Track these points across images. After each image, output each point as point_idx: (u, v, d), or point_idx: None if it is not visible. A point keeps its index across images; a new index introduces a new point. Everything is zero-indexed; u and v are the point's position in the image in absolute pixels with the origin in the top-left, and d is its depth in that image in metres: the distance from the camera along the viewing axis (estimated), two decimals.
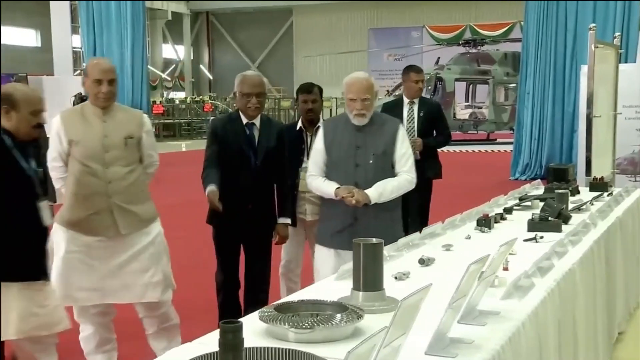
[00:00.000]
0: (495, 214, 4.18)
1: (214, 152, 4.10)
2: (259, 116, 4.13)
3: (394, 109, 5.65)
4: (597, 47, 6.27)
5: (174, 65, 35.54)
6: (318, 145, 3.84)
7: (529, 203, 4.68)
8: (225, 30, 36.91)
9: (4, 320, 3.04)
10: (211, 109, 28.07)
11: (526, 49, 12.99)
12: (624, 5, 11.85)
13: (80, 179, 3.60)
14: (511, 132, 21.38)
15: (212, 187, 3.91)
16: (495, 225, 4.02)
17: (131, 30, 14.57)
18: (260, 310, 2.35)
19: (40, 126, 3.15)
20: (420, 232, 3.97)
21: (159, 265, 3.74)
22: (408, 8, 30.87)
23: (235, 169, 4.06)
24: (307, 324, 2.18)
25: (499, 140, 21.72)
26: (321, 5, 32.82)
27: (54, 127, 3.64)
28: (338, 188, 3.64)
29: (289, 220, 4.27)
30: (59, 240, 3.58)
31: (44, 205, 3.21)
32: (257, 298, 4.10)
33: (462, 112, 22.10)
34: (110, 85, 3.60)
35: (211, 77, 37.24)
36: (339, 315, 2.26)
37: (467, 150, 20.02)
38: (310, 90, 4.67)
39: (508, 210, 4.40)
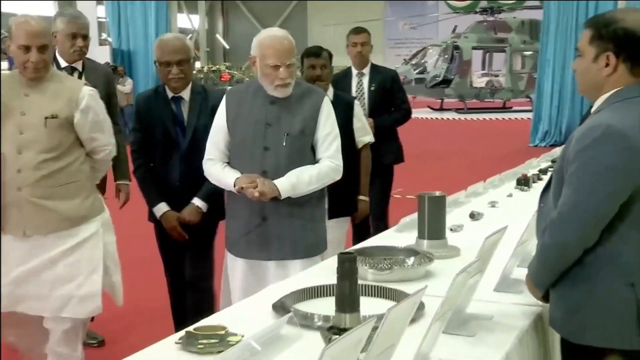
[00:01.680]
0: (533, 174, 4.44)
1: (139, 138, 3.54)
2: (189, 88, 3.49)
3: (341, 81, 4.74)
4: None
5: (189, 35, 35.63)
6: (219, 122, 3.04)
7: None
8: None
9: None
10: (229, 79, 28.25)
11: (547, 16, 13.09)
12: None
13: None
14: (528, 100, 21.53)
15: (163, 208, 3.47)
16: (533, 184, 4.27)
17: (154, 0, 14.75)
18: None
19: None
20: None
21: (85, 275, 3.02)
22: None
23: (163, 153, 3.49)
24: (385, 265, 2.45)
25: (515, 108, 21.88)
26: None
27: None
28: (238, 178, 2.89)
29: (201, 204, 3.50)
30: None
31: None
32: (202, 298, 3.66)
33: (479, 81, 22.17)
34: (41, 53, 2.89)
35: (227, 47, 37.31)
36: (412, 259, 2.53)
37: (484, 118, 20.18)
38: (318, 53, 4.02)
39: (543, 171, 4.64)
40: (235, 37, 35.87)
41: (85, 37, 3.92)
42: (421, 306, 2.04)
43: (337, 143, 3.00)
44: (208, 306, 3.55)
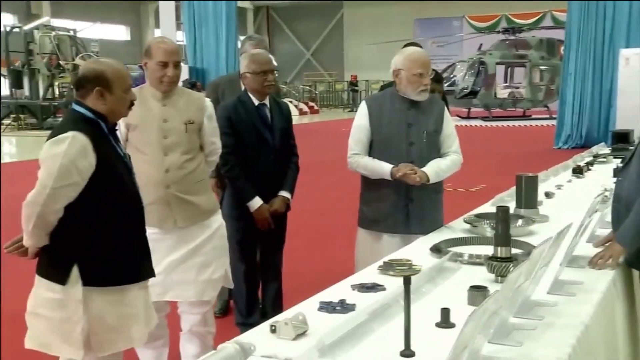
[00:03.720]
0: (583, 165, 4.92)
1: (232, 141, 3.50)
2: (267, 96, 3.57)
3: None
4: None
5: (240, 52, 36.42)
6: (362, 122, 3.27)
7: (604, 158, 5.39)
8: (283, 22, 37.54)
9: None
10: (280, 91, 28.92)
11: (569, 35, 13.43)
12: None
13: (138, 168, 2.85)
14: (545, 109, 21.79)
15: (259, 202, 3.54)
16: (585, 173, 4.76)
17: (225, 26, 15.38)
18: (465, 216, 3.17)
19: (132, 104, 2.49)
20: None
21: (219, 261, 3.14)
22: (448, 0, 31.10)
23: (256, 152, 3.56)
24: None
25: (534, 116, 22.14)
26: None
27: None
28: (395, 166, 3.14)
29: (289, 196, 3.67)
30: None
31: None
32: (278, 288, 3.81)
33: (502, 92, 22.45)
34: (175, 69, 2.99)
35: (275, 64, 38.06)
36: (520, 220, 3.07)
37: (507, 125, 20.49)
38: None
39: (590, 164, 5.12)
40: (280, 56, 36.49)
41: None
42: None
43: (458, 140, 3.34)
44: (280, 287, 3.78)
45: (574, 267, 2.43)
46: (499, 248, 2.32)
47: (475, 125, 20.59)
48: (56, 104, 21.10)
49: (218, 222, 3.17)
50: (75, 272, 2.32)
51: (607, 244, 2.57)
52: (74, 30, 22.96)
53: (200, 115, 3.10)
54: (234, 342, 1.66)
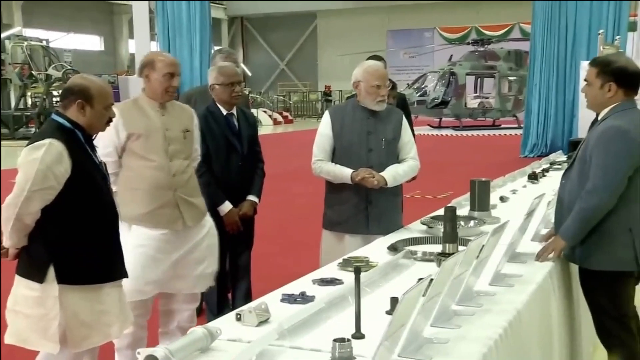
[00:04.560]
0: (539, 172, 5.20)
1: (203, 149, 3.60)
2: (234, 106, 3.77)
3: None
4: (604, 47, 7.17)
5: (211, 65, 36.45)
6: (325, 131, 3.47)
7: (559, 165, 5.68)
8: (257, 33, 37.76)
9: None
10: (252, 102, 29.07)
11: (533, 48, 13.89)
12: (615, 8, 12.72)
13: (143, 174, 3.16)
14: (514, 119, 22.29)
15: (229, 206, 3.72)
16: (540, 179, 5.04)
17: (199, 37, 15.51)
18: (422, 219, 3.40)
19: (110, 121, 2.65)
20: None
21: (212, 257, 3.37)
22: (420, 11, 31.64)
23: (225, 160, 3.74)
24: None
25: (503, 125, 22.64)
26: (342, 9, 33.59)
27: None
28: (354, 171, 3.35)
29: (257, 199, 3.88)
30: (122, 235, 2.92)
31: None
32: (247, 288, 3.98)
33: (472, 102, 22.92)
34: (177, 80, 3.20)
35: (250, 74, 38.27)
36: (472, 222, 3.31)
37: (477, 135, 20.92)
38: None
39: (546, 170, 5.41)
40: (254, 66, 36.72)
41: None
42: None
43: (415, 147, 3.55)
44: (249, 286, 3.98)
45: (515, 262, 2.66)
46: (447, 245, 2.55)
47: (446, 135, 20.98)
48: (28, 114, 20.98)
49: (209, 221, 3.39)
50: (51, 271, 2.47)
51: (550, 240, 2.81)
52: (47, 40, 22.89)
53: (191, 124, 3.34)
54: (202, 327, 1.85)
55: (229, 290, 4.06)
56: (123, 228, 2.96)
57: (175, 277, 3.24)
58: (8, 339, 2.59)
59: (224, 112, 3.73)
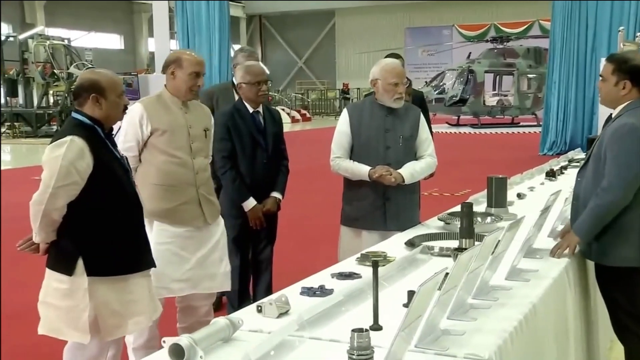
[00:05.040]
0: (557, 169, 5.20)
1: (228, 146, 3.74)
2: (261, 104, 3.82)
3: None
4: (624, 44, 7.12)
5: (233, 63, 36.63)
6: (343, 128, 3.52)
7: (577, 163, 5.67)
8: (275, 31, 37.89)
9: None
10: (270, 100, 29.17)
11: (553, 45, 13.81)
12: (637, 6, 12.60)
13: (167, 170, 3.17)
14: (533, 116, 22.15)
15: (253, 202, 3.78)
16: (558, 176, 5.03)
17: (218, 35, 15.65)
18: (439, 215, 3.43)
19: (126, 108, 2.72)
20: None
21: (226, 255, 3.43)
22: (439, 9, 31.56)
23: (249, 156, 3.79)
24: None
25: (522, 123, 22.51)
26: (360, 7, 33.59)
27: (134, 115, 3.14)
28: (372, 169, 3.37)
29: (280, 196, 3.93)
30: None
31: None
32: (268, 282, 4.04)
33: (491, 100, 22.83)
34: (202, 79, 3.24)
35: (268, 72, 38.36)
36: (489, 218, 3.34)
37: (495, 132, 20.83)
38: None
39: (564, 167, 5.40)
40: (272, 64, 36.87)
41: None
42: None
43: (433, 145, 3.58)
44: (271, 280, 4.03)
45: (531, 258, 2.69)
46: (463, 240, 2.58)
47: (465, 133, 20.93)
48: (50, 112, 21.29)
49: (222, 220, 3.45)
50: (80, 263, 2.55)
51: (565, 236, 2.84)
52: (68, 40, 23.18)
53: (210, 123, 3.40)
54: (225, 317, 1.91)
55: (249, 284, 4.13)
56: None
57: (207, 277, 3.29)
58: (41, 330, 2.68)
59: (250, 109, 3.78)
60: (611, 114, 2.93)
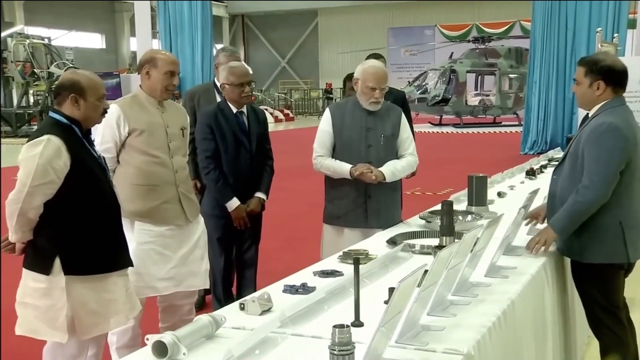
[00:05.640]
0: (536, 168, 5.27)
1: (212, 146, 3.76)
2: (244, 105, 3.81)
3: None
4: (602, 45, 7.23)
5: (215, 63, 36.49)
6: (325, 127, 3.55)
7: (556, 162, 5.74)
8: (258, 31, 37.79)
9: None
10: (253, 99, 29.12)
11: (533, 45, 13.94)
12: (615, 7, 12.78)
13: (146, 169, 3.18)
14: (515, 116, 22.33)
15: (236, 202, 3.78)
16: (538, 175, 5.11)
17: (201, 34, 15.57)
18: (421, 214, 3.47)
19: (105, 112, 2.70)
20: None
21: (206, 253, 3.46)
22: (421, 9, 31.68)
23: (233, 157, 3.79)
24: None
25: (504, 123, 22.71)
26: (343, 7, 33.63)
27: (111, 116, 3.06)
28: (353, 166, 3.41)
29: (264, 197, 3.93)
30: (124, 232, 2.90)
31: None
32: (252, 281, 4.04)
33: (473, 99, 22.99)
34: (177, 78, 3.25)
35: (251, 72, 38.28)
36: (469, 216, 3.38)
37: (477, 132, 20.99)
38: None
39: (544, 166, 5.47)
40: (255, 64, 36.77)
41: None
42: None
43: (414, 144, 3.62)
44: (255, 279, 4.04)
45: (511, 255, 2.74)
46: (444, 237, 2.63)
47: (447, 132, 21.05)
48: (31, 111, 21.07)
49: (202, 218, 3.47)
50: (57, 262, 2.55)
51: (540, 230, 2.87)
52: (49, 38, 22.97)
53: (186, 122, 3.42)
54: (208, 315, 1.93)
55: (233, 284, 4.15)
56: (125, 225, 2.95)
57: (190, 275, 3.31)
58: (18, 330, 2.67)
59: (234, 110, 3.78)
60: (588, 113, 2.98)
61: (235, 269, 4.09)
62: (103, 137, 3.16)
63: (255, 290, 3.97)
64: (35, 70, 21.01)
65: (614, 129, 2.68)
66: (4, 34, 21.91)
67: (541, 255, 2.77)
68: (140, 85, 3.29)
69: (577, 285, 2.89)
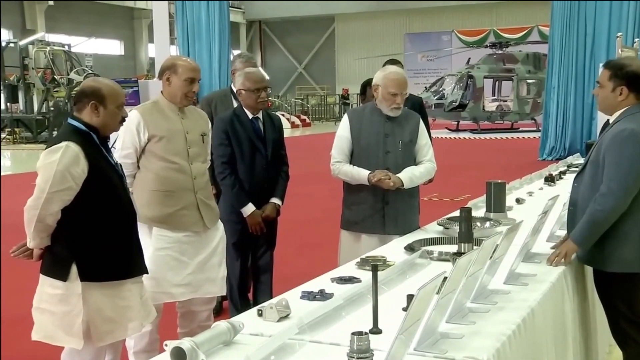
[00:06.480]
0: (556, 174, 5.22)
1: (228, 151, 3.77)
2: (260, 111, 3.83)
3: None
4: (622, 50, 7.16)
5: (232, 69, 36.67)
6: (343, 133, 3.54)
7: (576, 168, 5.69)
8: (275, 37, 37.94)
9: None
10: (270, 105, 29.26)
11: (552, 50, 13.86)
12: (636, 11, 12.66)
13: (165, 176, 3.19)
14: (532, 122, 22.19)
15: (252, 207, 3.79)
16: (557, 181, 5.06)
17: (218, 41, 15.68)
18: (438, 220, 3.45)
19: (124, 120, 2.74)
20: None
21: (224, 260, 3.45)
22: (438, 14, 31.63)
23: (248, 162, 3.80)
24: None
25: (521, 128, 22.56)
26: (360, 13, 33.66)
27: (131, 122, 3.11)
28: (371, 173, 3.39)
29: (280, 202, 3.94)
30: (142, 238, 2.93)
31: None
32: (268, 286, 4.04)
33: (490, 105, 22.87)
34: (197, 85, 3.25)
35: (268, 78, 38.43)
36: (487, 223, 3.36)
37: (495, 138, 20.86)
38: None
39: (563, 172, 5.42)
40: (272, 70, 36.90)
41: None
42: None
43: (432, 150, 3.60)
44: (271, 284, 4.04)
45: (530, 262, 2.71)
46: (462, 244, 2.61)
47: (464, 138, 20.95)
48: (51, 118, 21.31)
49: (221, 225, 3.46)
50: (74, 269, 2.56)
51: (562, 242, 2.85)
52: (69, 45, 23.22)
53: (207, 128, 3.42)
54: (226, 321, 1.93)
55: (249, 290, 4.15)
56: (142, 230, 2.98)
57: (207, 282, 3.30)
58: (35, 336, 2.69)
59: (250, 115, 3.80)
60: (608, 119, 2.94)
61: (252, 274, 4.10)
62: (123, 143, 3.19)
63: (271, 296, 4.03)
64: (55, 76, 21.26)
65: (636, 135, 2.65)
66: (25, 41, 22.23)
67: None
68: (161, 91, 3.31)
69: (600, 295, 2.85)
